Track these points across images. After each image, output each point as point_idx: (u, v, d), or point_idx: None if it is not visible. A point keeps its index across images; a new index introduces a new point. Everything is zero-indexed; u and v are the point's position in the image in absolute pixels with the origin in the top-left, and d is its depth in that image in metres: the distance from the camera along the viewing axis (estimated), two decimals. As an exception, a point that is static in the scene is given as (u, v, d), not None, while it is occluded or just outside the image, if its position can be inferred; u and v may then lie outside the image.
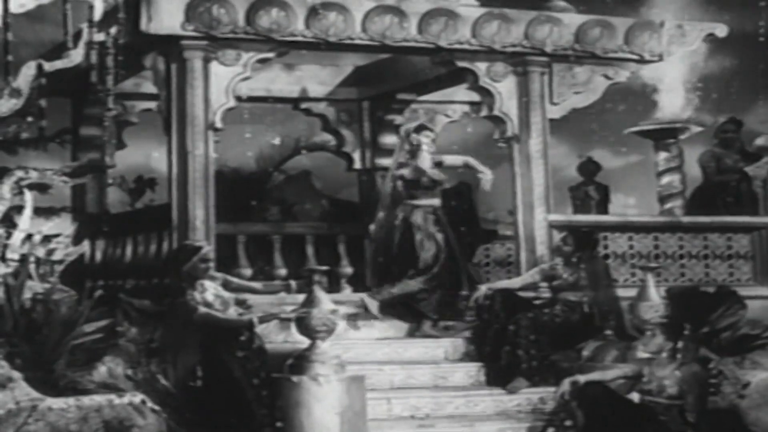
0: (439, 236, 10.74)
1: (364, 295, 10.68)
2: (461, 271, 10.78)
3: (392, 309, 10.63)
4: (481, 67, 11.19)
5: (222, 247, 10.45)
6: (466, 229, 11.01)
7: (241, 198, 12.60)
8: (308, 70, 12.51)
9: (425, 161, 10.87)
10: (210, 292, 9.22)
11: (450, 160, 11.08)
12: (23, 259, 8.99)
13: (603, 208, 14.81)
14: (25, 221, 9.18)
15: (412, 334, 10.60)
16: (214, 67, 10.38)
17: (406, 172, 10.83)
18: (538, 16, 11.20)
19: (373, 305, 10.57)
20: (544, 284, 10.76)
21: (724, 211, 12.70)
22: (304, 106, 12.66)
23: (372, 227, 11.11)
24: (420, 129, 11.03)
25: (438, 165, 10.94)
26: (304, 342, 9.18)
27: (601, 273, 10.63)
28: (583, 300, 10.42)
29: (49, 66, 9.16)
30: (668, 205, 13.45)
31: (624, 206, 16.84)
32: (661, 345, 9.58)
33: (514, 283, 10.84)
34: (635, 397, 9.10)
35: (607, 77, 11.63)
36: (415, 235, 10.70)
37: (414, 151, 10.88)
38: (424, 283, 10.61)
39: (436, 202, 10.86)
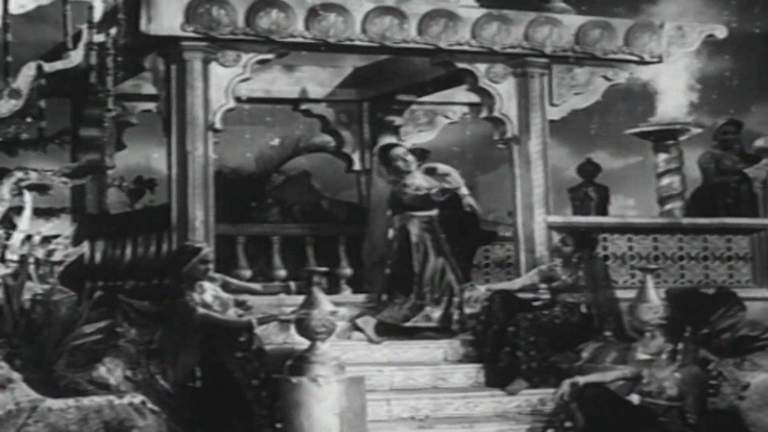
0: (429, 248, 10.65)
1: (359, 320, 10.55)
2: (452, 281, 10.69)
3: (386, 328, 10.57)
4: (480, 68, 11.19)
5: (221, 247, 10.45)
6: (465, 231, 10.99)
7: (240, 199, 12.59)
8: (308, 71, 12.52)
9: (411, 179, 10.77)
10: (209, 293, 9.22)
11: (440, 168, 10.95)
12: (23, 260, 8.99)
13: (602, 210, 14.81)
14: (24, 222, 9.17)
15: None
16: (214, 68, 10.39)
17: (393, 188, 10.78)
18: (538, 17, 11.20)
19: (369, 327, 10.51)
20: (543, 286, 10.76)
21: (723, 212, 12.70)
22: (303, 107, 12.67)
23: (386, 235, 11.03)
24: (385, 154, 10.89)
25: (430, 172, 10.85)
26: (303, 343, 9.18)
27: (600, 274, 10.63)
28: (582, 301, 10.42)
29: (48, 67, 9.15)
30: (668, 207, 13.44)
31: (623, 208, 16.84)
32: (661, 346, 9.57)
33: (514, 284, 10.85)
34: (635, 398, 9.10)
35: (606, 78, 11.64)
36: (411, 247, 10.62)
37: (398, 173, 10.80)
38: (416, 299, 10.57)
39: (431, 213, 10.74)
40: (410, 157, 10.84)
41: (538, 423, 9.45)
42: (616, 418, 8.89)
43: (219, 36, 10.27)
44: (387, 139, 12.57)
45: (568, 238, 10.65)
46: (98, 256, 11.56)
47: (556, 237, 11.06)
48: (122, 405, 7.95)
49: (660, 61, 11.74)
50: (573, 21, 11.35)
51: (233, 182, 12.82)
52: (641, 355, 9.82)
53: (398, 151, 10.88)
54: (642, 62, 11.69)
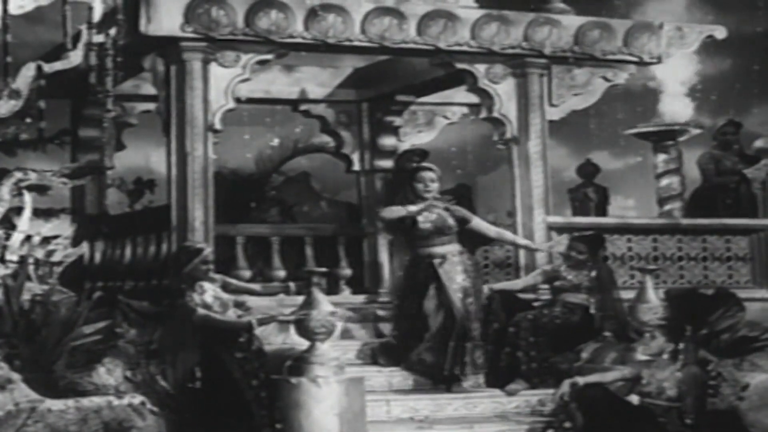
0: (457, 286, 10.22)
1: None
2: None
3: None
4: (480, 68, 11.19)
5: (221, 248, 10.45)
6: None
7: (240, 199, 12.62)
8: (307, 71, 12.50)
9: (428, 207, 10.38)
10: (209, 293, 9.22)
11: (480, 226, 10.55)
12: (22, 261, 8.99)
13: (602, 210, 14.82)
14: (24, 223, 9.17)
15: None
16: (213, 68, 10.38)
17: (413, 217, 10.33)
18: (537, 17, 11.20)
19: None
20: (545, 286, 10.75)
21: (722, 213, 12.71)
22: (303, 107, 12.65)
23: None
24: (416, 172, 10.47)
25: (446, 209, 10.39)
26: (303, 344, 9.18)
27: (606, 277, 10.60)
28: (584, 303, 10.41)
29: (48, 67, 9.16)
30: (667, 207, 13.45)
31: (623, 208, 16.86)
32: (662, 346, 9.58)
33: (516, 284, 10.83)
34: (634, 399, 9.10)
35: (606, 79, 11.63)
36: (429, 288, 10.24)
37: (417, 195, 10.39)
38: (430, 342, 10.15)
39: (446, 249, 10.33)
40: (434, 186, 10.44)
41: (538, 424, 9.45)
42: (615, 419, 8.89)
43: (218, 36, 10.26)
44: (387, 140, 12.57)
45: (579, 244, 10.58)
46: (98, 257, 11.57)
47: (556, 237, 11.06)
48: (122, 405, 7.96)
49: (659, 61, 11.73)
50: (572, 21, 11.35)
51: (233, 183, 12.85)
52: (641, 356, 9.83)
53: (431, 173, 10.45)
54: (641, 63, 11.68)
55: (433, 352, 10.08)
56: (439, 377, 10.05)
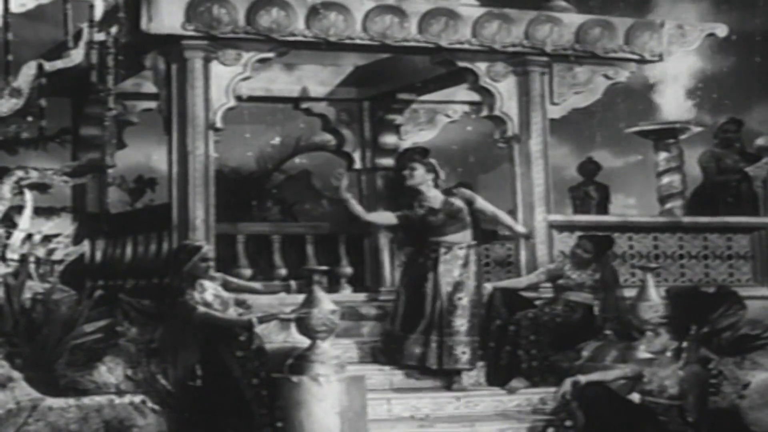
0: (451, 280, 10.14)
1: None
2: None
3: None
4: (481, 66, 11.18)
5: (222, 247, 10.45)
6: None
7: (241, 198, 12.63)
8: (308, 69, 12.51)
9: (427, 194, 10.28)
10: (209, 292, 9.22)
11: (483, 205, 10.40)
12: (23, 259, 9.00)
13: (603, 209, 14.81)
14: (25, 221, 9.19)
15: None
16: (215, 66, 10.38)
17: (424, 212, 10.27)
18: (539, 15, 11.20)
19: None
20: (547, 284, 10.74)
21: (724, 211, 12.70)
22: (304, 105, 12.65)
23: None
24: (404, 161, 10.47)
25: (448, 193, 10.32)
26: (304, 342, 9.18)
27: (609, 278, 10.60)
28: (587, 301, 10.41)
29: (49, 66, 9.18)
30: (668, 206, 13.43)
31: (624, 206, 16.87)
32: (666, 344, 9.57)
33: (520, 282, 10.82)
34: (636, 397, 9.10)
35: (607, 77, 11.63)
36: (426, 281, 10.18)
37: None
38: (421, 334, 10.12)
39: (455, 238, 10.25)
40: (418, 172, 10.33)
41: (539, 422, 9.46)
42: (616, 417, 8.90)
43: (220, 35, 10.26)
44: (388, 138, 12.58)
45: (587, 243, 10.58)
46: (99, 255, 11.57)
47: (557, 236, 11.06)
48: (122, 404, 7.97)
49: (660, 59, 11.73)
50: (573, 19, 11.35)
51: (234, 181, 12.87)
52: (642, 354, 9.83)
53: (416, 165, 10.38)
54: (642, 61, 11.68)
55: (420, 344, 10.08)
56: (425, 370, 10.04)
